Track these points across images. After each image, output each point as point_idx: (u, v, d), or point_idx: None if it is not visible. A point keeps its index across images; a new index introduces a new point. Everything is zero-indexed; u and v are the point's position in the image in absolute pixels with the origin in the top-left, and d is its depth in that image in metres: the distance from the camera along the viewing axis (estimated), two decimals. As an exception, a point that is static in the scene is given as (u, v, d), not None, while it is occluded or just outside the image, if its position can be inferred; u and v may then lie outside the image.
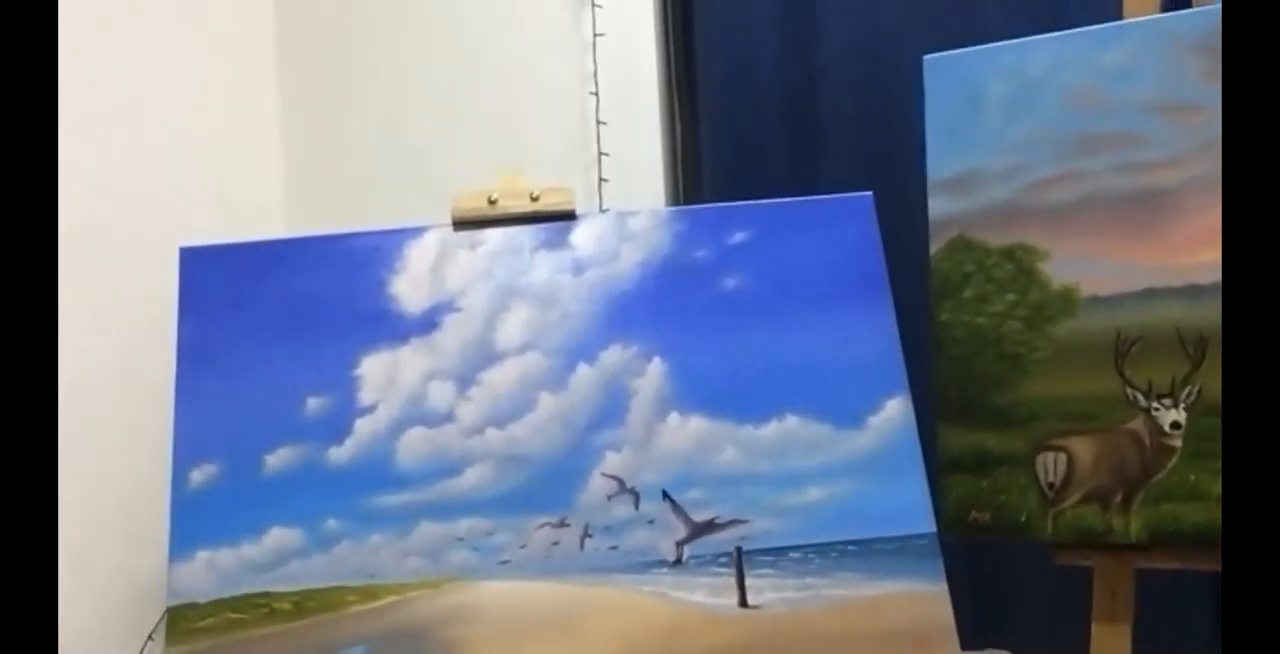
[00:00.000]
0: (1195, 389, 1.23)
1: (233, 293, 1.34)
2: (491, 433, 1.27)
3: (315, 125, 1.95)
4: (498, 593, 1.22)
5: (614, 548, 1.23)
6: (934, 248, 1.36)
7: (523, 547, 1.23)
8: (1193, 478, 1.23)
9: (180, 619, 1.21)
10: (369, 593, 1.22)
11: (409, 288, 1.34)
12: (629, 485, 1.25)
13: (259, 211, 1.89)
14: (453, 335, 1.32)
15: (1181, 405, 1.24)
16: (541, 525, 1.24)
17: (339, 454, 1.27)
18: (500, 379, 1.30)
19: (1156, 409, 1.25)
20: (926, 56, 1.37)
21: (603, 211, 1.65)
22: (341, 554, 1.23)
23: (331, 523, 1.24)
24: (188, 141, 1.72)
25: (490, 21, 1.88)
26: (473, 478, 1.26)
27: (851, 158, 1.75)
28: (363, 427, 1.28)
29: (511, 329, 1.32)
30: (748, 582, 1.20)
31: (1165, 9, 1.34)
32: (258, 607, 1.22)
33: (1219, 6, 1.20)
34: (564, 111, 1.83)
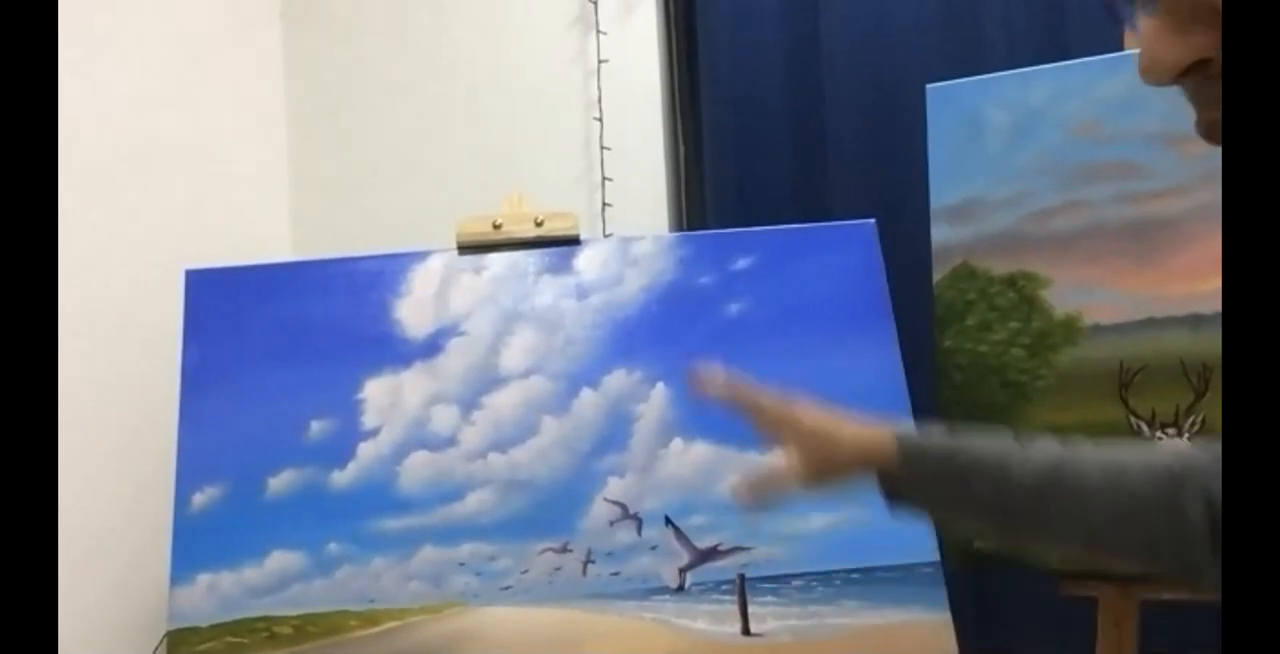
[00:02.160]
0: (1199, 418, 1.23)
1: (237, 316, 1.35)
2: (494, 457, 1.27)
3: (322, 149, 1.96)
4: (499, 619, 1.21)
5: (616, 574, 1.22)
6: (937, 275, 1.37)
7: (525, 572, 1.23)
8: (1196, 507, 1.23)
9: (181, 643, 1.21)
10: (370, 618, 1.22)
11: (413, 312, 1.34)
12: (631, 511, 1.24)
13: (265, 235, 1.89)
14: (456, 359, 1.32)
15: (1185, 435, 1.24)
16: (544, 551, 1.23)
17: (341, 478, 1.27)
18: (503, 403, 1.30)
19: (1160, 438, 1.25)
20: (929, 86, 1.38)
21: (606, 237, 1.66)
22: (343, 578, 1.23)
23: (333, 547, 1.24)
24: (195, 165, 1.73)
25: (495, 48, 1.90)
26: (475, 502, 1.26)
27: (855, 185, 1.75)
28: (365, 450, 1.28)
29: (515, 353, 1.32)
30: (750, 609, 1.20)
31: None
32: (258, 631, 1.21)
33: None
34: (568, 137, 1.84)
